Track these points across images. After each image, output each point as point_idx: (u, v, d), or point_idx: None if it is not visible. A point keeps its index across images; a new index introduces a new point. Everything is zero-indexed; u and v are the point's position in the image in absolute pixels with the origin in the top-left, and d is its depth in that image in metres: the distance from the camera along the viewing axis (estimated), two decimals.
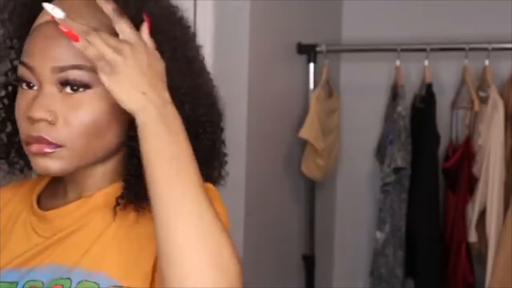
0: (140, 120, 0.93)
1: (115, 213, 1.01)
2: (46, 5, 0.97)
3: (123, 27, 0.96)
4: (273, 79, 2.74)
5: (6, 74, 1.07)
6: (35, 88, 1.00)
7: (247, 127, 2.52)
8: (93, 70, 0.96)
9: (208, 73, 1.11)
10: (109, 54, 0.93)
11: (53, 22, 0.97)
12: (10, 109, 1.05)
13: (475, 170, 2.90)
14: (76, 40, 0.94)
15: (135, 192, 1.00)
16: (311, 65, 3.01)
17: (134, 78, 0.93)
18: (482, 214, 2.87)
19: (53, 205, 1.08)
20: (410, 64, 3.08)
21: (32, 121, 0.98)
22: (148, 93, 0.93)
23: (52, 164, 0.99)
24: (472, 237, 2.89)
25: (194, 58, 1.08)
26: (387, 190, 2.98)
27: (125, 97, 0.93)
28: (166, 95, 0.95)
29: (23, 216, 1.09)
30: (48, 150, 0.98)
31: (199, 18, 2.40)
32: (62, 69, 0.98)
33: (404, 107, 2.98)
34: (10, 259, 1.05)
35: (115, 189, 1.03)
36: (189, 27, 1.10)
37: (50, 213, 1.06)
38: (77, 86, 0.98)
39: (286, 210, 2.95)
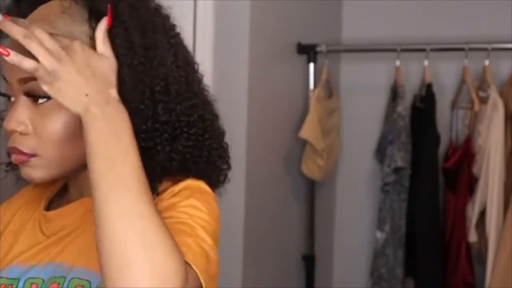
0: (84, 120, 0.92)
1: None
2: None
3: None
4: (273, 79, 2.74)
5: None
6: (13, 100, 1.02)
7: (247, 127, 2.52)
8: None
9: (197, 75, 1.08)
10: (46, 61, 0.91)
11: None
12: None
13: (475, 170, 2.90)
14: (7, 55, 0.92)
15: None
16: (311, 65, 3.01)
17: (74, 81, 0.91)
18: (482, 214, 2.87)
19: (58, 205, 1.10)
20: (410, 64, 3.08)
21: (9, 132, 1.00)
22: (90, 94, 0.92)
23: (33, 173, 1.02)
24: (472, 237, 2.88)
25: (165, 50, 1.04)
26: (387, 190, 2.99)
27: (68, 103, 0.92)
28: (112, 92, 0.94)
29: (35, 215, 1.12)
30: (23, 159, 1.00)
31: (199, 18, 2.40)
32: (25, 80, 0.98)
33: (404, 107, 2.98)
34: (15, 255, 1.08)
35: None
36: (168, 19, 1.07)
37: (51, 213, 1.09)
38: (39, 96, 0.99)
39: (286, 210, 2.95)
